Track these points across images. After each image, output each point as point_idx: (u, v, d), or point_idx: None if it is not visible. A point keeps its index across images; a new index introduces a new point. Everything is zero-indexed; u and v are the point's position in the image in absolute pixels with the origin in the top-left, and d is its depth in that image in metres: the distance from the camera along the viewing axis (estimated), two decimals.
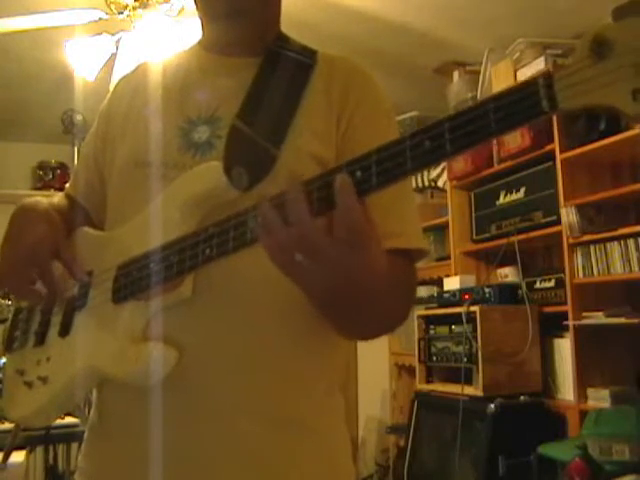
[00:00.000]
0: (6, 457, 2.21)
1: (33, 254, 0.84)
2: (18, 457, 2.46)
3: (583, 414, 2.50)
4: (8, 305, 2.74)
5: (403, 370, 3.88)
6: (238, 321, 0.81)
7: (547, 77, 0.52)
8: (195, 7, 0.97)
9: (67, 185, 1.09)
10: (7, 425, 2.32)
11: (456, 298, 3.04)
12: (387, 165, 0.59)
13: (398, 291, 0.79)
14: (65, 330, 0.89)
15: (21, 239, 0.86)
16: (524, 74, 3.04)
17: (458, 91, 3.47)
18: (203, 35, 0.99)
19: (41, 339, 0.93)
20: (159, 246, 0.78)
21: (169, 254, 0.77)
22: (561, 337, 2.80)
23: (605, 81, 0.50)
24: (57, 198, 1.01)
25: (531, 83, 0.52)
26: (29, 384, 0.90)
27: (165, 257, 0.77)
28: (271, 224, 0.61)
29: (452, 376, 2.94)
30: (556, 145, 2.79)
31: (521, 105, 0.53)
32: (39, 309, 0.96)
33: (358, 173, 0.60)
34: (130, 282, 0.81)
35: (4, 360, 0.98)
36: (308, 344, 0.85)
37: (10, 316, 1.03)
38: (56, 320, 0.92)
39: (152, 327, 0.80)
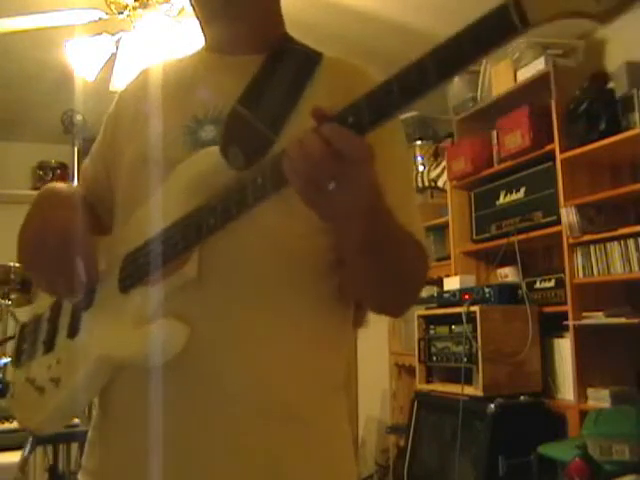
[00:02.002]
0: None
1: (65, 240, 0.83)
2: (18, 457, 2.45)
3: (583, 414, 2.49)
4: (8, 305, 2.74)
5: (403, 370, 3.88)
6: (244, 301, 0.82)
7: None
8: (192, 11, 0.98)
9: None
10: (7, 425, 2.32)
11: (456, 298, 3.05)
12: (378, 104, 0.62)
13: (415, 258, 0.85)
14: (73, 330, 0.90)
15: (47, 218, 0.86)
16: (524, 74, 3.04)
17: (458, 91, 3.47)
18: (205, 39, 1.00)
19: (50, 346, 0.93)
20: (163, 228, 0.80)
21: (173, 233, 0.78)
22: (561, 337, 2.80)
23: None
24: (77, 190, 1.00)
25: (502, 4, 0.56)
26: (41, 389, 0.90)
27: (169, 237, 0.78)
28: (296, 157, 0.64)
29: (452, 376, 2.94)
30: (556, 145, 2.79)
31: (495, 25, 0.57)
32: (46, 318, 0.96)
33: (350, 118, 0.63)
34: (136, 268, 0.82)
35: (5, 360, 0.98)
36: (313, 329, 0.86)
37: (16, 332, 1.03)
38: (63, 325, 0.92)
39: (160, 310, 0.80)
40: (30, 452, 2.25)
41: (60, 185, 0.94)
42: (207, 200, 0.75)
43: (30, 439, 2.23)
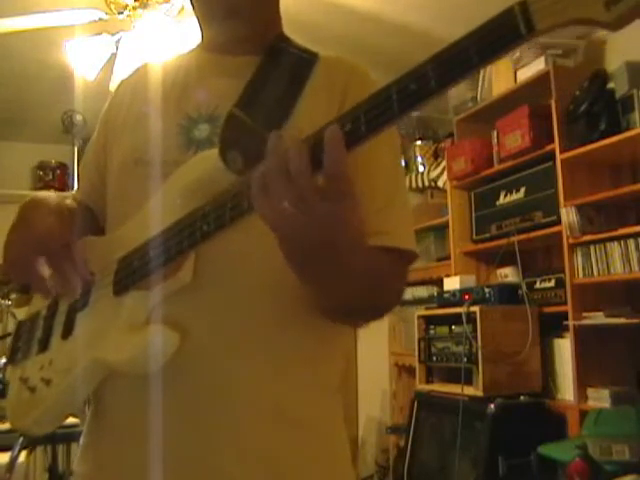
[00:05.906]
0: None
1: (43, 242, 0.83)
2: (18, 457, 2.45)
3: (583, 414, 2.50)
4: (8, 305, 2.73)
5: (403, 370, 3.88)
6: (240, 306, 0.81)
7: (522, 3, 0.53)
8: (192, 8, 0.98)
9: (72, 192, 1.08)
10: (7, 425, 2.32)
11: (456, 298, 3.05)
12: (375, 112, 0.59)
13: (381, 278, 0.79)
14: (67, 331, 0.89)
15: (31, 228, 0.85)
16: (524, 74, 3.04)
17: (458, 91, 3.47)
18: (202, 37, 1.00)
19: (44, 345, 0.93)
20: (157, 232, 0.78)
21: (168, 237, 0.77)
22: (561, 337, 2.80)
23: None
24: (68, 199, 0.99)
25: (507, 10, 0.53)
26: (32, 389, 0.89)
27: (164, 241, 0.77)
28: (271, 177, 0.60)
29: (452, 376, 2.94)
30: (556, 145, 2.79)
31: (498, 32, 0.54)
32: (42, 317, 0.96)
33: (348, 125, 0.60)
34: (131, 272, 0.81)
35: (5, 360, 0.98)
36: (308, 333, 0.85)
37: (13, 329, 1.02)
38: (58, 324, 0.92)
39: (154, 315, 0.80)
40: (19, 453, 2.25)
41: (42, 195, 0.93)
42: (201, 205, 0.73)
43: (20, 440, 2.22)
